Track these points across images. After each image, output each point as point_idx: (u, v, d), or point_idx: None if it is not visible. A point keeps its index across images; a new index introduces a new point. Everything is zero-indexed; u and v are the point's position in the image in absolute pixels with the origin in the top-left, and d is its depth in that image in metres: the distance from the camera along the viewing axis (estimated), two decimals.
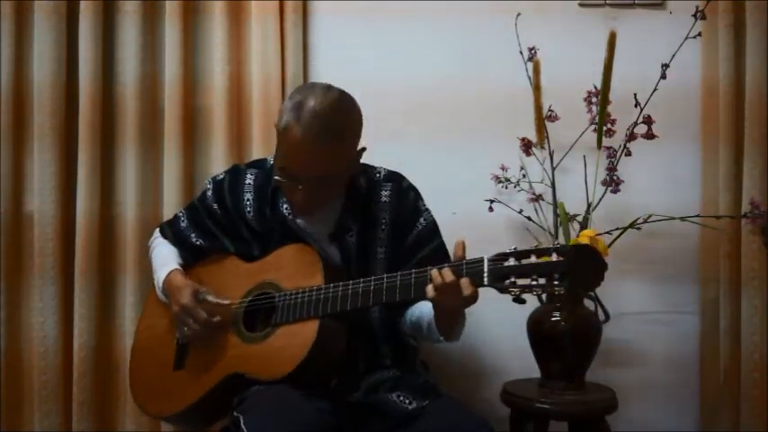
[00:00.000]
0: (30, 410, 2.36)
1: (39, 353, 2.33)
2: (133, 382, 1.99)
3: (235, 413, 1.64)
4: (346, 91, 1.77)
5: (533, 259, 1.50)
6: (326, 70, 2.40)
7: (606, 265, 1.50)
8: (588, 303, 2.13)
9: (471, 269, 1.56)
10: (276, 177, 1.76)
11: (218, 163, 2.33)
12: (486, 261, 1.55)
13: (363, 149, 1.82)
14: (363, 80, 2.35)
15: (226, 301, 1.83)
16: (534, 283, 1.49)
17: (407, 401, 1.73)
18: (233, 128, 2.35)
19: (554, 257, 1.49)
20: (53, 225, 2.33)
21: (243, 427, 1.57)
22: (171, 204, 2.29)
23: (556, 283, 1.48)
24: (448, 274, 1.57)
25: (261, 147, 2.33)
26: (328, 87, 1.74)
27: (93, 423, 2.33)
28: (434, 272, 1.59)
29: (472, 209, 2.28)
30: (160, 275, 1.93)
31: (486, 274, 1.54)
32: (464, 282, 1.55)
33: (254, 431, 1.56)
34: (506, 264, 1.53)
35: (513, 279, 1.51)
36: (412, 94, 2.38)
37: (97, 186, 2.34)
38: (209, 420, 1.94)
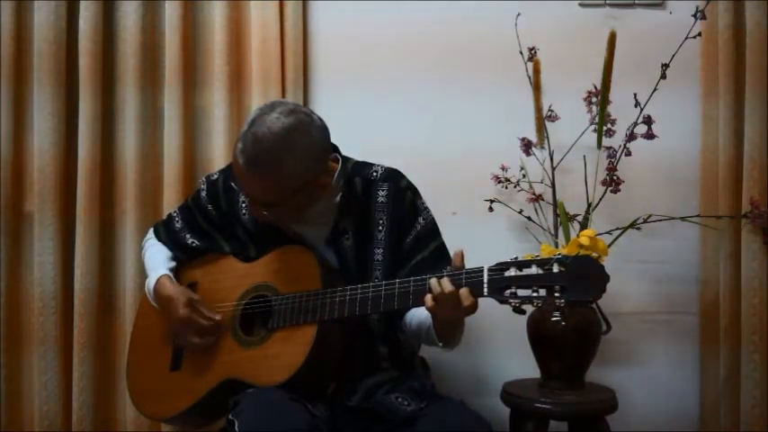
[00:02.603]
0: (30, 410, 2.36)
1: (39, 353, 2.33)
2: (131, 383, 1.99)
3: (230, 416, 1.63)
4: (310, 115, 1.70)
5: (534, 270, 1.48)
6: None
7: (608, 276, 1.47)
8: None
9: (471, 279, 1.54)
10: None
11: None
12: (486, 271, 1.53)
13: (314, 183, 1.72)
14: (363, 75, 2.37)
15: (217, 317, 1.81)
16: (535, 294, 1.47)
17: (405, 403, 1.72)
18: (233, 129, 2.35)
19: (555, 268, 1.47)
20: (53, 225, 2.33)
21: (237, 430, 1.57)
22: (171, 203, 2.28)
23: (557, 294, 1.46)
24: (447, 285, 1.54)
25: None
26: (289, 112, 1.67)
27: (93, 423, 2.33)
28: (433, 281, 1.56)
29: (472, 209, 2.28)
30: (150, 281, 1.93)
31: (485, 285, 1.52)
32: (463, 292, 1.53)
33: None
34: (507, 274, 1.50)
35: (513, 290, 1.49)
36: (412, 91, 2.38)
37: (97, 184, 2.34)
38: (208, 421, 1.94)
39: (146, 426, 2.31)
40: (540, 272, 1.48)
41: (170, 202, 2.30)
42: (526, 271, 1.49)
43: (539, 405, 2.03)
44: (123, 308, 2.35)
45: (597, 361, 2.13)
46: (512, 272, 1.50)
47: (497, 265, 1.53)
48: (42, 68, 2.33)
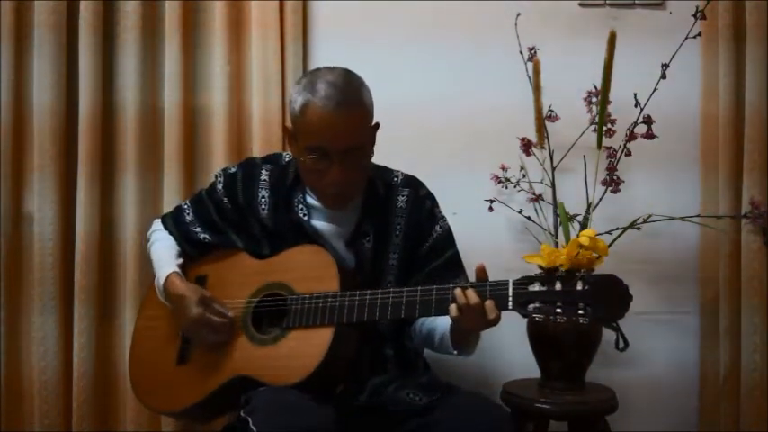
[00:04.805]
0: (30, 410, 2.36)
1: (39, 353, 2.33)
2: (133, 374, 1.96)
3: (242, 413, 1.61)
4: None
5: (558, 286, 1.49)
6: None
7: (631, 296, 1.49)
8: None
9: (495, 292, 1.55)
10: (310, 157, 1.74)
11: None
12: (510, 284, 1.54)
13: (377, 125, 1.82)
14: (364, 79, 2.37)
15: (230, 314, 1.80)
16: (558, 311, 1.48)
17: (417, 398, 1.72)
18: (233, 129, 2.35)
19: (579, 285, 1.48)
20: (53, 225, 2.33)
21: (252, 427, 1.56)
22: (171, 203, 2.27)
23: (581, 312, 1.47)
24: (472, 296, 1.55)
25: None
26: (332, 67, 1.79)
27: (93, 423, 2.32)
28: (458, 291, 1.57)
29: (472, 209, 2.28)
30: (160, 277, 1.90)
31: (510, 298, 1.53)
32: (489, 305, 1.54)
33: None
34: (531, 288, 1.52)
35: (536, 304, 1.50)
36: (412, 92, 2.38)
37: (97, 186, 2.34)
38: (212, 417, 1.94)
39: (145, 425, 2.31)
40: (566, 289, 1.49)
41: (170, 200, 2.31)
42: (550, 286, 1.50)
43: (539, 405, 2.03)
44: (123, 308, 2.35)
45: (597, 361, 2.13)
46: (536, 286, 1.51)
47: (522, 278, 1.54)
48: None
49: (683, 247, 2.33)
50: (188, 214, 1.98)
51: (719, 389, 2.27)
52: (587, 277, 1.48)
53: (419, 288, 1.65)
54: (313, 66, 2.39)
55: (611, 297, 1.47)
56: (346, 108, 1.70)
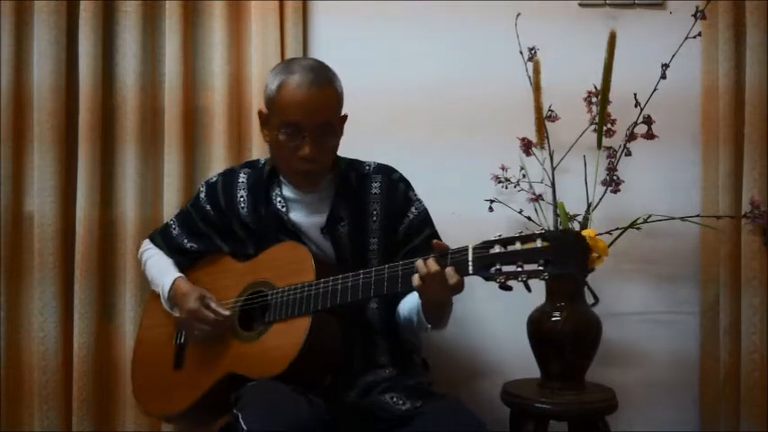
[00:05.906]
0: (30, 410, 2.36)
1: (39, 352, 2.33)
2: (135, 382, 2.01)
3: (234, 410, 1.64)
4: None
5: (518, 246, 1.51)
6: None
7: (590, 248, 1.51)
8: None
9: (456, 258, 1.57)
10: (284, 132, 1.79)
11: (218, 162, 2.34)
12: (470, 249, 1.56)
13: (345, 116, 1.88)
14: (364, 81, 2.37)
15: (226, 312, 1.83)
16: (520, 269, 1.49)
17: (401, 402, 1.73)
18: (233, 129, 2.35)
19: (539, 243, 1.49)
20: (53, 225, 2.33)
21: (242, 423, 1.58)
22: (171, 204, 2.29)
23: (541, 268, 1.48)
24: (432, 264, 1.58)
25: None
26: (304, 57, 1.90)
27: (93, 423, 2.33)
28: (419, 262, 1.60)
29: (472, 209, 2.28)
30: (165, 284, 1.95)
31: (470, 263, 1.55)
32: (449, 271, 1.57)
33: (254, 428, 1.56)
34: (491, 251, 1.53)
35: (498, 266, 1.51)
36: (412, 93, 2.38)
37: (97, 187, 2.34)
38: (211, 418, 1.95)
39: (146, 425, 2.32)
40: (525, 248, 1.50)
41: (170, 201, 2.31)
42: (511, 248, 1.51)
43: (539, 405, 2.03)
44: (123, 308, 2.35)
45: (597, 361, 2.13)
46: (496, 249, 1.53)
47: (482, 243, 1.56)
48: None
49: (683, 247, 2.33)
50: (174, 229, 2.05)
51: (720, 389, 2.27)
52: (546, 234, 1.49)
53: (386, 266, 1.68)
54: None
55: (571, 252, 1.49)
56: (320, 86, 1.78)
